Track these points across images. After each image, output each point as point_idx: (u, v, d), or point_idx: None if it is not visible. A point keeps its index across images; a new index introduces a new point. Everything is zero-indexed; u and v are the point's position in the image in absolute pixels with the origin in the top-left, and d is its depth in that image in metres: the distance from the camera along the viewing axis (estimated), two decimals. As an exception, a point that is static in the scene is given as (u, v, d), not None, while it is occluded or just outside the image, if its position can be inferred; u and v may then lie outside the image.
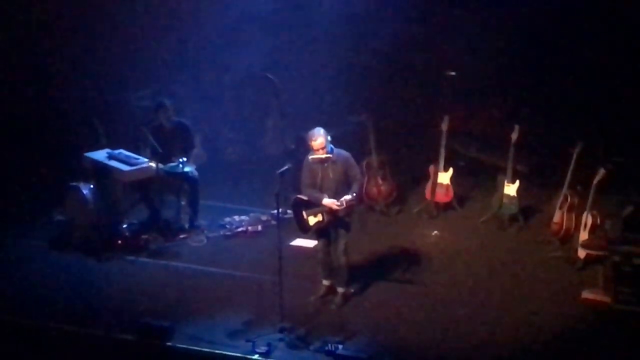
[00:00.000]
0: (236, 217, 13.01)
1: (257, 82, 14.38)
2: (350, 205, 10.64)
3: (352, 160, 10.86)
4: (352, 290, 11.14)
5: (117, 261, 12.02)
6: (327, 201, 10.59)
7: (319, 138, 10.58)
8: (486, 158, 14.32)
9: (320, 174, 10.68)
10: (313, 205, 10.70)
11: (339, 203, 10.51)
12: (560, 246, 12.10)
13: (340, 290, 11.03)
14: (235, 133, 15.12)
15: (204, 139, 13.69)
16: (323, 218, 10.70)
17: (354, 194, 10.64)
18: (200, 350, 10.01)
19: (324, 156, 10.62)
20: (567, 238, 12.08)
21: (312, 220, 10.73)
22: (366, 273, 11.58)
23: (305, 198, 10.72)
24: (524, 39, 14.03)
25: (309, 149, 10.73)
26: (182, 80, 14.36)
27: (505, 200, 12.71)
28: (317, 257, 11.08)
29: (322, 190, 10.67)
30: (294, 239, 12.01)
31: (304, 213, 10.75)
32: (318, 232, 10.90)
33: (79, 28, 14.48)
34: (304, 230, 10.90)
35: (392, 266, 11.84)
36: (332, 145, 10.68)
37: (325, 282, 11.12)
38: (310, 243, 11.54)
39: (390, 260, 12.03)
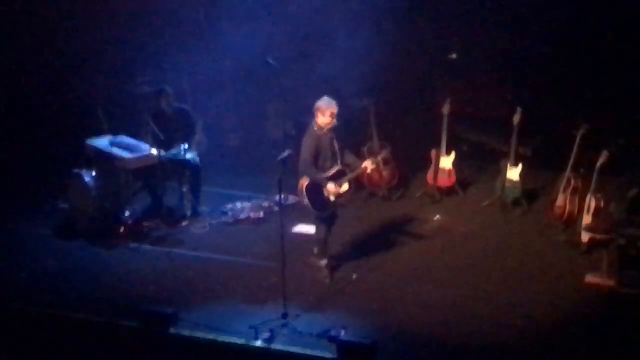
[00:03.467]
0: (238, 204, 12.98)
1: (258, 67, 14.33)
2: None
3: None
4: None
5: (120, 248, 12.01)
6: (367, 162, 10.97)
7: (335, 107, 10.73)
8: (488, 141, 14.30)
9: (328, 146, 10.77)
10: (339, 177, 10.78)
11: (373, 164, 10.93)
12: (564, 230, 12.08)
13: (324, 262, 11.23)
14: (236, 119, 15.08)
15: (205, 125, 13.64)
16: (350, 187, 10.90)
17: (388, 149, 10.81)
18: (203, 337, 10.00)
19: (333, 125, 10.74)
20: (571, 221, 12.05)
21: (342, 189, 10.85)
22: (369, 258, 11.59)
23: (328, 174, 10.77)
24: (526, 20, 13.96)
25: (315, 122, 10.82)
26: (183, 66, 14.32)
27: (508, 183, 12.68)
28: (318, 239, 11.09)
29: (328, 163, 10.77)
30: (296, 225, 12.00)
31: (331, 185, 10.76)
32: (328, 214, 10.98)
33: (80, 15, 14.43)
34: (324, 208, 10.89)
35: (395, 251, 11.83)
36: None
37: (324, 262, 11.19)
38: (312, 229, 11.50)
39: (393, 245, 12.01)
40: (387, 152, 10.53)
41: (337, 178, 10.81)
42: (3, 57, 14.21)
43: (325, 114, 10.71)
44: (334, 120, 10.73)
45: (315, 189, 10.78)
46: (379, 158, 10.50)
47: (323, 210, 10.93)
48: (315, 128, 10.78)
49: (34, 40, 14.33)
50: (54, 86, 14.34)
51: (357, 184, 13.00)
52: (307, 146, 10.79)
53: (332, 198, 10.82)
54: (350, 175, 10.87)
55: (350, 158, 11.07)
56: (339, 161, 10.85)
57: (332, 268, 11.20)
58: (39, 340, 10.31)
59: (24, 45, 14.30)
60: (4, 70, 14.20)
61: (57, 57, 14.40)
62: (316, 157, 10.78)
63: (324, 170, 10.82)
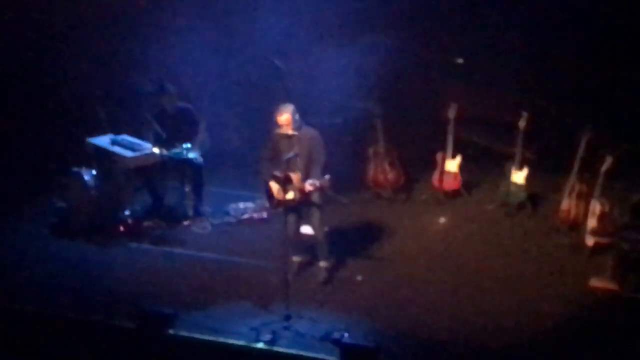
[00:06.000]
0: (241, 204, 12.91)
1: (263, 67, 14.28)
2: (322, 188, 10.65)
3: (319, 139, 10.87)
4: (334, 262, 11.25)
5: (120, 248, 11.92)
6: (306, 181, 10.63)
7: (285, 114, 10.69)
8: (494, 145, 14.22)
9: (286, 150, 10.66)
10: (286, 182, 10.63)
11: (310, 186, 10.51)
12: (568, 234, 12.03)
13: (323, 264, 11.14)
14: (240, 119, 15.00)
15: (208, 125, 13.57)
16: (295, 196, 10.69)
17: (327, 178, 10.56)
18: (203, 339, 9.91)
19: (289, 132, 10.65)
20: (575, 225, 12.00)
21: (286, 196, 10.69)
22: (373, 260, 11.55)
23: (279, 175, 10.66)
24: (531, 24, 13.89)
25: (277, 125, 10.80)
26: (186, 64, 14.25)
27: (513, 187, 12.63)
28: (285, 234, 10.87)
29: (288, 167, 10.60)
30: (303, 226, 11.92)
31: (273, 185, 10.78)
32: (288, 208, 10.84)
33: (81, 11, 14.36)
34: (275, 206, 10.91)
35: (399, 253, 11.76)
36: (301, 123, 10.79)
37: (296, 259, 11.18)
38: (308, 230, 11.39)
39: (397, 247, 11.94)
40: (327, 181, 10.51)
41: (283, 182, 10.64)
42: (2, 53, 14.12)
43: (275, 117, 10.76)
44: (284, 127, 10.70)
45: (266, 185, 10.90)
46: (318, 183, 10.47)
47: (272, 207, 11.03)
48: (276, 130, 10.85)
49: (33, 37, 14.25)
50: (54, 83, 14.25)
51: (363, 185, 12.96)
52: (265, 146, 11.05)
53: (282, 198, 10.72)
54: (294, 186, 10.66)
55: (312, 174, 10.73)
56: (300, 169, 10.68)
57: (301, 266, 11.23)
58: (34, 341, 10.21)
59: (24, 42, 14.22)
60: (3, 67, 14.11)
61: (58, 53, 14.32)
62: (275, 155, 10.83)
63: (282, 170, 10.69)
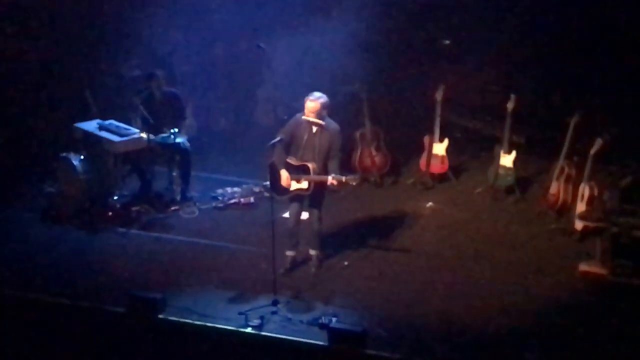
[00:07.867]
0: (228, 189, 12.87)
1: (249, 51, 14.23)
2: (347, 184, 10.55)
3: (340, 135, 10.72)
4: (324, 254, 11.15)
5: (108, 233, 11.89)
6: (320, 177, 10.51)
7: (315, 102, 10.48)
8: (482, 128, 14.21)
9: (306, 137, 10.58)
10: (300, 172, 10.56)
11: (335, 181, 10.39)
12: (557, 218, 12.02)
13: (313, 252, 11.04)
14: (227, 104, 14.95)
15: (195, 110, 13.54)
16: (309, 187, 10.60)
17: (357, 177, 10.56)
18: (192, 323, 9.91)
19: (317, 120, 10.49)
20: (564, 210, 12.00)
21: (294, 186, 10.62)
22: (360, 245, 11.51)
23: (292, 162, 10.59)
24: (520, 6, 13.86)
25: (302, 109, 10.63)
26: (174, 49, 14.20)
27: (501, 171, 12.60)
28: (287, 225, 10.94)
29: (302, 154, 10.57)
30: (287, 210, 11.88)
31: (283, 173, 10.60)
32: (293, 197, 10.81)
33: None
34: (281, 193, 10.73)
35: (386, 238, 11.74)
36: (325, 115, 10.58)
37: (290, 253, 11.03)
38: (303, 215, 11.38)
39: (384, 232, 11.91)
40: (356, 178, 10.43)
41: (295, 171, 10.60)
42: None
43: (305, 100, 10.60)
44: (309, 113, 10.50)
45: (274, 170, 10.68)
46: (344, 179, 10.38)
47: (277, 194, 10.74)
48: (302, 114, 10.66)
49: (21, 22, 14.18)
50: (42, 69, 14.18)
51: (349, 169, 12.91)
52: (284, 126, 10.79)
53: (292, 187, 10.63)
54: (311, 177, 10.55)
55: (331, 168, 10.62)
56: (315, 159, 10.58)
57: (295, 261, 11.06)
58: (23, 325, 10.22)
59: (12, 27, 14.15)
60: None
61: (46, 39, 14.24)
62: (290, 141, 10.66)
63: (295, 158, 10.66)
